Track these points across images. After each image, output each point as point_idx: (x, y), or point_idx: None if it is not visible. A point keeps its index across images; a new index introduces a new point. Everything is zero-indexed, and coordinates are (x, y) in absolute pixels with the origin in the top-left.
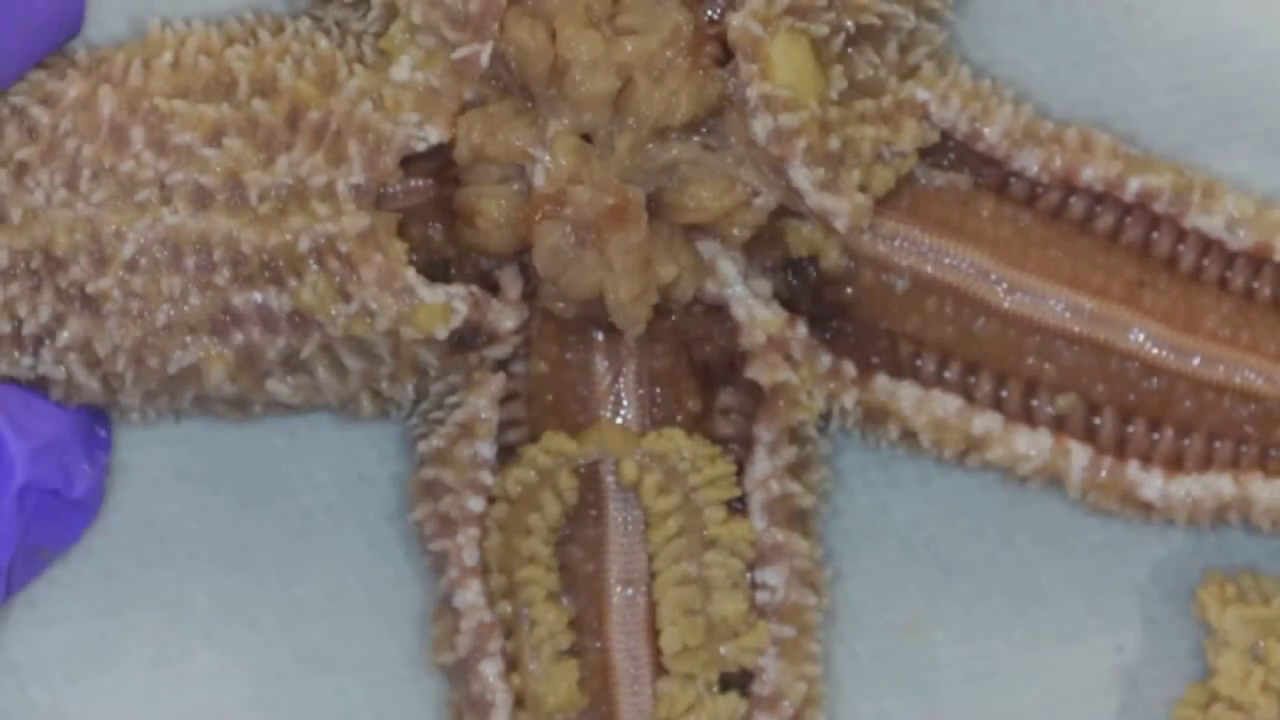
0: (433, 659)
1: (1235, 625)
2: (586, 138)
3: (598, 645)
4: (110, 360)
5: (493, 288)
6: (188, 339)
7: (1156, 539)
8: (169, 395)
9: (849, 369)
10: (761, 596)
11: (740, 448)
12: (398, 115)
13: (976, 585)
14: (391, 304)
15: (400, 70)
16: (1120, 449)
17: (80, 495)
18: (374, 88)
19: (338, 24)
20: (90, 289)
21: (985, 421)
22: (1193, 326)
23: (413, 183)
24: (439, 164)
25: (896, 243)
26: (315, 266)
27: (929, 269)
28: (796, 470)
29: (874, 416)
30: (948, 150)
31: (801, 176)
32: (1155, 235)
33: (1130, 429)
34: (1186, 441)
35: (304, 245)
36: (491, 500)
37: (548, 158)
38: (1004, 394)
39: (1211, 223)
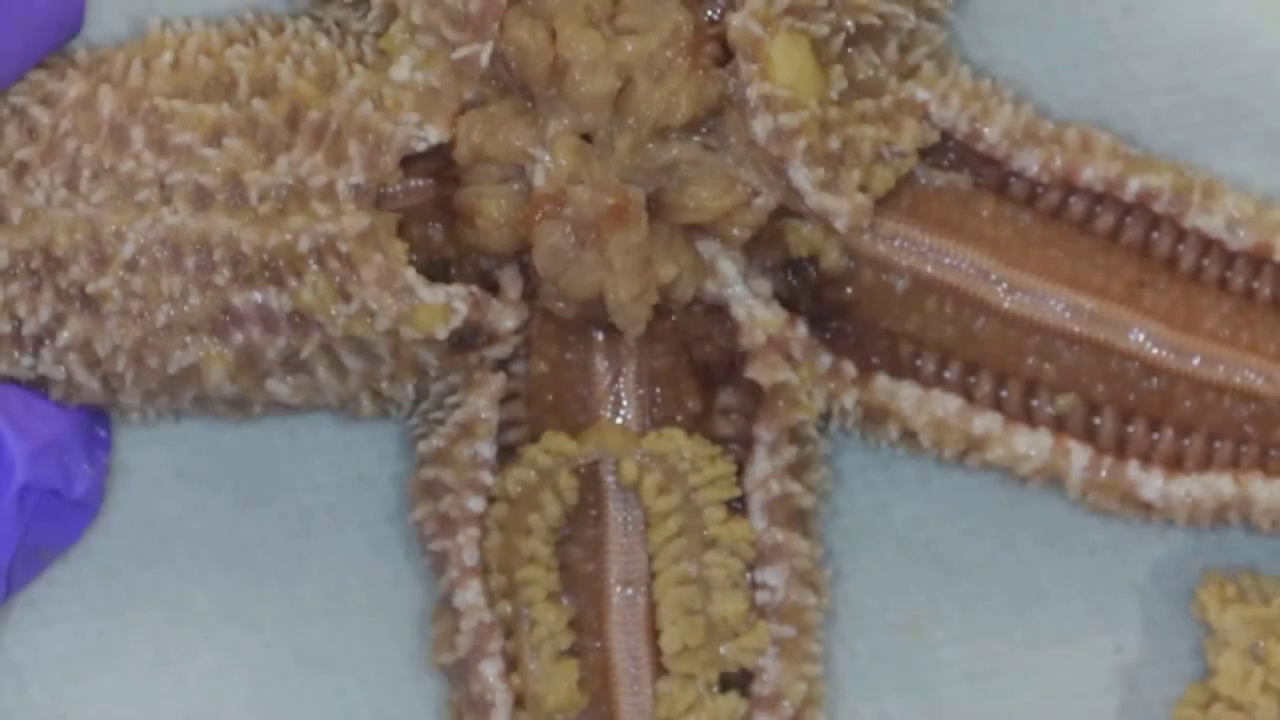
0: (433, 659)
1: (1235, 625)
2: (586, 138)
3: (598, 645)
4: (110, 360)
5: (493, 288)
6: (188, 339)
7: (1156, 539)
8: (169, 395)
9: (849, 369)
10: (761, 596)
11: (740, 448)
12: (398, 115)
13: (976, 585)
14: (391, 304)
15: (400, 70)
16: (1120, 449)
17: (80, 495)
18: (374, 88)
19: (338, 24)
20: (90, 289)
21: (985, 421)
22: (1193, 326)
23: (413, 183)
24: (439, 164)
25: (896, 243)
26: (315, 266)
27: (929, 269)
28: (796, 470)
29: (874, 416)
30: (948, 150)
31: (801, 176)
32: (1155, 235)
33: (1130, 429)
34: (1186, 441)
35: (304, 245)
36: (491, 500)
37: (548, 158)
38: (1004, 394)
39: (1211, 223)
